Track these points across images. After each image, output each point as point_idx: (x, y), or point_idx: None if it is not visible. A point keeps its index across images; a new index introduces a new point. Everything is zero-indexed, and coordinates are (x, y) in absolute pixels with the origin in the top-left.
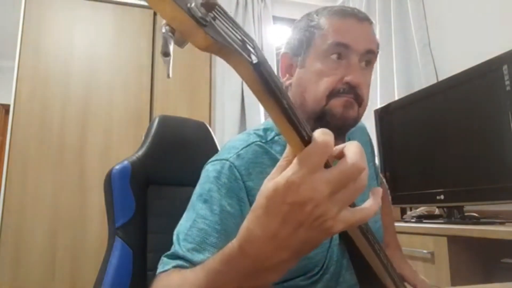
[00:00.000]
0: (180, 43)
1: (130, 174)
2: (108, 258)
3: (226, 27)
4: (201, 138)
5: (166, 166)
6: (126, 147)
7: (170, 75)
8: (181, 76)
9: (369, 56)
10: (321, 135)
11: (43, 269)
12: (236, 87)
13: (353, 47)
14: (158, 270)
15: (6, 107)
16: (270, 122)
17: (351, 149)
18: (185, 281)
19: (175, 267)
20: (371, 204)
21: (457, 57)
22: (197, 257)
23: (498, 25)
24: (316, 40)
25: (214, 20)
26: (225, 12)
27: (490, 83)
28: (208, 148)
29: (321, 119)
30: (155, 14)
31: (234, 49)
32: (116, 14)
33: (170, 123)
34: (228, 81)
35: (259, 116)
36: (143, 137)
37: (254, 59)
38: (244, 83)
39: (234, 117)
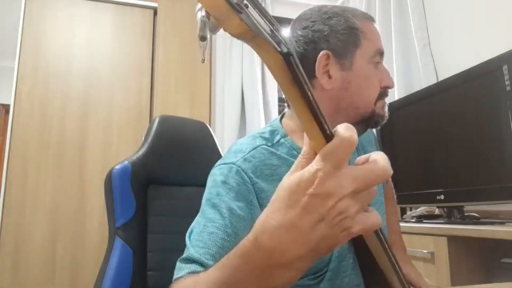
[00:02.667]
0: (213, 30)
1: (130, 174)
2: (108, 258)
3: (258, 15)
4: (201, 138)
5: (166, 166)
6: (126, 147)
7: (205, 60)
8: (181, 76)
9: None
10: (346, 130)
11: (43, 269)
12: (236, 87)
13: (383, 53)
14: (174, 277)
15: (6, 107)
16: (275, 124)
17: (379, 155)
18: (199, 280)
19: (190, 273)
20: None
21: (457, 57)
22: (211, 259)
23: (498, 25)
24: (363, 43)
25: (247, 7)
26: (257, 0)
27: (490, 83)
28: (208, 148)
29: (369, 120)
30: (155, 14)
31: (265, 38)
32: (116, 14)
33: (170, 123)
34: (228, 81)
35: (259, 116)
36: (143, 137)
37: (284, 49)
38: (244, 83)
39: (234, 117)
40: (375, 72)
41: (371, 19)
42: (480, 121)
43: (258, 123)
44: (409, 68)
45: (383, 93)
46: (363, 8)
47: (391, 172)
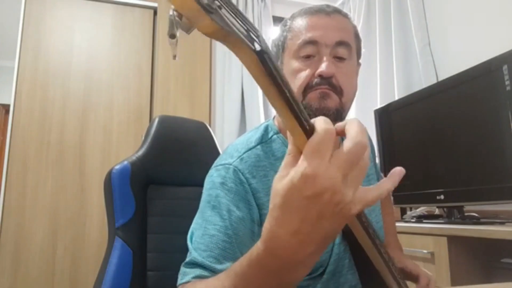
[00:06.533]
0: (186, 29)
1: (130, 174)
2: (108, 258)
3: (232, 16)
4: (201, 138)
5: (166, 166)
6: (126, 147)
7: (177, 58)
8: (181, 76)
9: (343, 48)
10: (323, 123)
11: (43, 269)
12: (236, 87)
13: (321, 41)
14: (179, 282)
15: (6, 107)
16: (270, 122)
17: (353, 127)
18: (209, 286)
19: (194, 277)
20: (386, 182)
21: (457, 57)
22: (214, 262)
23: (498, 25)
24: (288, 43)
25: (220, 9)
26: (231, 2)
27: (490, 83)
28: (208, 148)
29: None
30: (155, 14)
31: (238, 36)
32: (116, 14)
33: (170, 123)
34: (228, 81)
35: (259, 116)
36: (143, 137)
37: (258, 47)
38: (244, 83)
39: (234, 117)
40: (304, 64)
41: (310, 12)
42: (480, 121)
43: (258, 123)
44: (409, 68)
45: (314, 83)
46: (363, 8)
47: (366, 142)
